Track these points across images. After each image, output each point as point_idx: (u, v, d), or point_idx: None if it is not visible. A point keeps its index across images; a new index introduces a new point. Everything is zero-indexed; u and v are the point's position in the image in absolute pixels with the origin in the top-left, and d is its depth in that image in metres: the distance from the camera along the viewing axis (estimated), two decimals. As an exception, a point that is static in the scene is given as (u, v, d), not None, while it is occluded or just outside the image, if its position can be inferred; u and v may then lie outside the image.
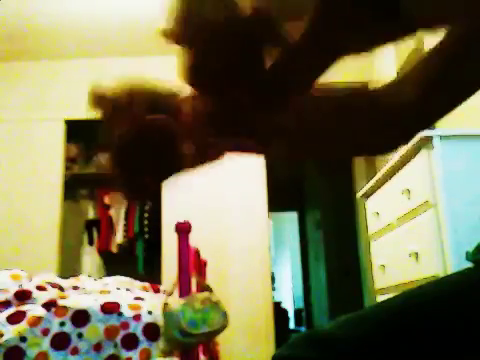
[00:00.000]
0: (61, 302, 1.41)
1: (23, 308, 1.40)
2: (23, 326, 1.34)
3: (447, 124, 2.71)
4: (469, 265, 0.63)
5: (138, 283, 1.87)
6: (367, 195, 2.64)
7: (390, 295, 2.02)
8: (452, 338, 0.52)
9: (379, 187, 2.41)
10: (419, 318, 0.55)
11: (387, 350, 0.54)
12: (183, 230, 1.54)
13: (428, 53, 0.57)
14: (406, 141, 0.58)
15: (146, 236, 4.16)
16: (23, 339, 1.32)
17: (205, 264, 2.20)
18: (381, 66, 3.33)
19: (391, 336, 0.55)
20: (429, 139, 1.84)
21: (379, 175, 2.31)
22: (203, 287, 1.58)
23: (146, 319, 1.44)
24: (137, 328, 1.42)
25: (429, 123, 0.58)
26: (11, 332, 1.32)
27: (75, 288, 1.64)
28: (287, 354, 0.58)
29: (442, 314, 0.54)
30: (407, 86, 0.56)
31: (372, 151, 0.60)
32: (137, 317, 1.43)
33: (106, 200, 4.32)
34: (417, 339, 0.53)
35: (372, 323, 0.57)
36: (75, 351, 1.36)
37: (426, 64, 0.57)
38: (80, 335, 1.37)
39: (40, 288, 1.51)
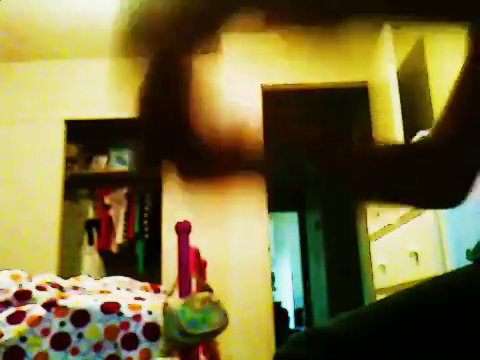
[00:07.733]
0: (61, 302, 1.41)
1: (23, 308, 1.39)
2: (23, 326, 1.34)
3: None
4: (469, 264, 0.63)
5: (138, 283, 1.87)
6: (367, 195, 2.63)
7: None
8: (453, 335, 0.52)
9: (379, 187, 2.41)
10: (420, 315, 0.55)
11: (388, 347, 0.54)
12: (183, 230, 1.53)
13: (455, 83, 0.53)
14: (469, 187, 0.53)
15: (146, 236, 4.15)
16: (23, 339, 1.32)
17: (205, 264, 2.20)
18: (381, 66, 3.33)
19: (392, 333, 0.55)
20: (429, 139, 1.84)
21: (379, 175, 2.30)
22: (203, 287, 1.57)
23: (146, 319, 1.44)
24: (137, 328, 1.41)
25: None
26: (11, 332, 1.32)
27: (75, 288, 1.64)
28: (289, 353, 0.58)
29: (443, 311, 0.54)
30: (447, 124, 0.52)
31: (440, 204, 0.57)
32: (137, 317, 1.43)
33: (106, 200, 4.32)
34: (418, 336, 0.53)
35: (373, 320, 0.57)
36: (75, 351, 1.36)
37: (456, 93, 0.52)
38: (80, 335, 1.37)
39: (40, 288, 1.51)
